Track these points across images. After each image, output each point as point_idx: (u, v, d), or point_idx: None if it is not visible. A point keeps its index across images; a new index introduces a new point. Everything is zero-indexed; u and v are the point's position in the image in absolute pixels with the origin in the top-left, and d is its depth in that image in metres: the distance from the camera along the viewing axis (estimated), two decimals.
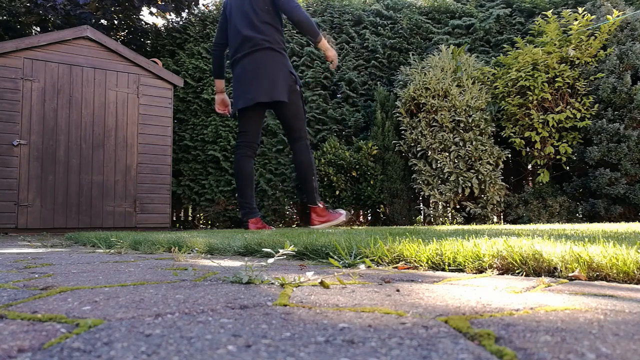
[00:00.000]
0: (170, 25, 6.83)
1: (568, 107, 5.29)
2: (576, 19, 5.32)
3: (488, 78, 5.69)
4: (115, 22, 6.74)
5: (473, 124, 5.30)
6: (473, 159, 5.22)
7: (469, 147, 5.21)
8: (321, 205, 3.80)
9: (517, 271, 1.18)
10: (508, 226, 3.53)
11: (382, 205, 5.61)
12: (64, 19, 5.87)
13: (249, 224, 3.71)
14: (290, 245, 1.40)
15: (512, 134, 5.38)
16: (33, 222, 4.76)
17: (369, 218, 6.13)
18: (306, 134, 3.85)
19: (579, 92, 5.31)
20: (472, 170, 5.23)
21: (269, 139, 6.12)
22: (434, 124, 5.40)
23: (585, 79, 5.34)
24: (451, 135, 5.28)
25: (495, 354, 0.50)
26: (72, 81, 5.01)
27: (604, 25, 5.24)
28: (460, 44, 6.29)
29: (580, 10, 5.27)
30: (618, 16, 5.22)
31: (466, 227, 3.60)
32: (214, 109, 6.20)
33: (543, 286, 0.98)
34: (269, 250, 1.38)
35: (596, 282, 1.04)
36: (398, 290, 0.92)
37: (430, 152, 5.32)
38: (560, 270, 1.12)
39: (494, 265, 1.22)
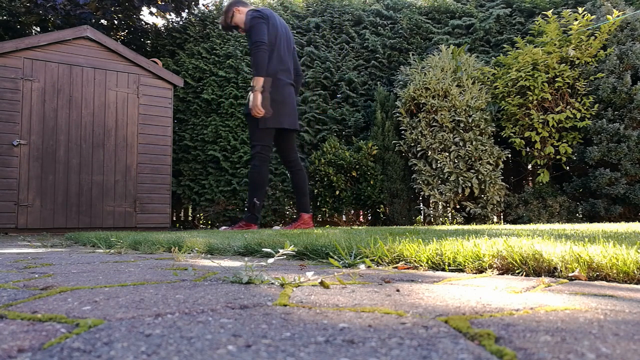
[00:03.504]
0: (170, 25, 6.83)
1: (568, 107, 5.29)
2: (576, 19, 5.31)
3: (488, 78, 5.68)
4: (115, 22, 6.73)
5: (473, 124, 5.30)
6: (473, 159, 5.22)
7: (469, 147, 5.21)
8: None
9: (517, 271, 1.18)
10: (508, 226, 3.53)
11: (382, 205, 5.61)
12: (64, 19, 5.86)
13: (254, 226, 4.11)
14: (290, 245, 1.40)
15: (512, 134, 5.37)
16: (33, 222, 4.76)
17: (369, 218, 6.13)
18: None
19: (579, 92, 5.31)
20: (472, 170, 5.23)
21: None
22: (434, 124, 5.40)
23: (585, 79, 5.34)
24: (451, 135, 5.28)
25: (495, 354, 0.50)
26: (72, 81, 5.01)
27: (604, 25, 5.24)
28: (460, 44, 6.29)
29: (580, 10, 5.27)
30: (618, 16, 5.22)
31: (466, 227, 3.60)
32: (214, 108, 6.24)
33: (543, 286, 0.98)
34: (269, 250, 1.39)
35: (596, 282, 1.04)
36: (398, 290, 0.92)
37: (430, 152, 5.31)
38: (560, 270, 1.12)
39: (494, 265, 1.22)
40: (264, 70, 3.92)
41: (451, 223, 5.32)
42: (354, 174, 5.53)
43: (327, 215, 5.94)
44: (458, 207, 5.39)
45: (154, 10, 6.72)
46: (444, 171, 5.21)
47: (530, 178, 6.14)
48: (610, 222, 4.73)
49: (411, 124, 5.50)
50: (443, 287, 0.98)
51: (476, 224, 4.86)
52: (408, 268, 1.35)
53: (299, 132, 4.36)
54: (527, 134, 5.26)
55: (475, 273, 1.23)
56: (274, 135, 4.12)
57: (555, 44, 5.32)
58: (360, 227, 4.39)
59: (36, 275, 1.23)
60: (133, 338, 0.57)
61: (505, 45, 6.05)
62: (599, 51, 5.36)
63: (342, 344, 0.53)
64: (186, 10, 6.68)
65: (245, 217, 4.10)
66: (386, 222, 5.71)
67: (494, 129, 5.46)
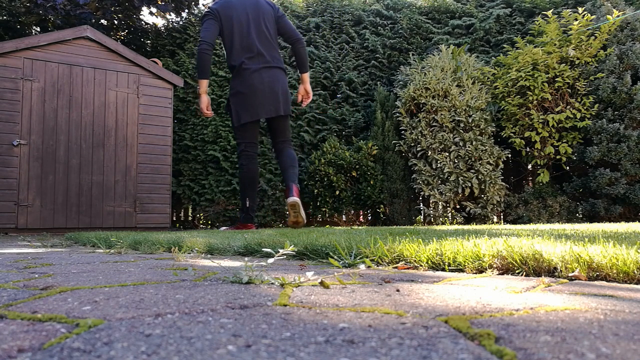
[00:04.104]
0: (170, 25, 6.83)
1: (568, 107, 5.29)
2: (576, 19, 5.31)
3: (488, 78, 5.68)
4: (115, 22, 6.73)
5: (473, 124, 5.30)
6: (473, 159, 5.22)
7: (469, 147, 5.21)
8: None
9: (517, 271, 1.18)
10: (508, 226, 3.53)
11: (382, 205, 5.61)
12: (64, 19, 5.86)
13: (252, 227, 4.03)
14: (290, 245, 1.40)
15: (512, 134, 5.37)
16: (33, 222, 4.76)
17: (369, 218, 6.13)
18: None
19: (579, 92, 5.31)
20: (472, 170, 5.23)
21: (269, 139, 6.11)
22: (434, 124, 5.40)
23: (585, 79, 5.34)
24: (451, 135, 5.28)
25: (495, 354, 0.50)
26: (72, 81, 5.01)
27: (604, 25, 5.24)
28: (460, 44, 6.29)
29: (580, 10, 5.27)
30: (618, 16, 5.22)
31: (466, 227, 3.60)
32: (214, 108, 6.23)
33: (543, 286, 0.98)
34: (269, 250, 1.38)
35: (596, 282, 1.04)
36: (398, 290, 0.92)
37: (430, 152, 5.31)
38: (560, 270, 1.12)
39: (494, 265, 1.22)
40: (204, 73, 3.86)
41: (451, 223, 5.32)
42: (354, 174, 5.53)
43: (327, 215, 5.94)
44: (458, 207, 5.39)
45: (154, 10, 6.72)
46: (444, 171, 5.21)
47: (530, 178, 6.14)
48: (610, 222, 4.73)
49: (411, 124, 5.50)
50: (443, 287, 0.98)
51: (476, 224, 4.86)
52: (408, 268, 1.34)
53: (289, 115, 4.13)
54: (527, 134, 5.26)
55: (475, 273, 1.23)
56: (257, 128, 4.01)
57: (555, 44, 5.32)
58: (360, 227, 4.39)
59: (36, 275, 1.23)
60: (133, 338, 0.57)
61: (505, 45, 6.05)
62: (599, 51, 5.36)
63: (342, 344, 0.53)
64: (186, 10, 6.69)
65: (240, 218, 4.05)
66: (386, 222, 5.71)
67: (494, 129, 5.46)
